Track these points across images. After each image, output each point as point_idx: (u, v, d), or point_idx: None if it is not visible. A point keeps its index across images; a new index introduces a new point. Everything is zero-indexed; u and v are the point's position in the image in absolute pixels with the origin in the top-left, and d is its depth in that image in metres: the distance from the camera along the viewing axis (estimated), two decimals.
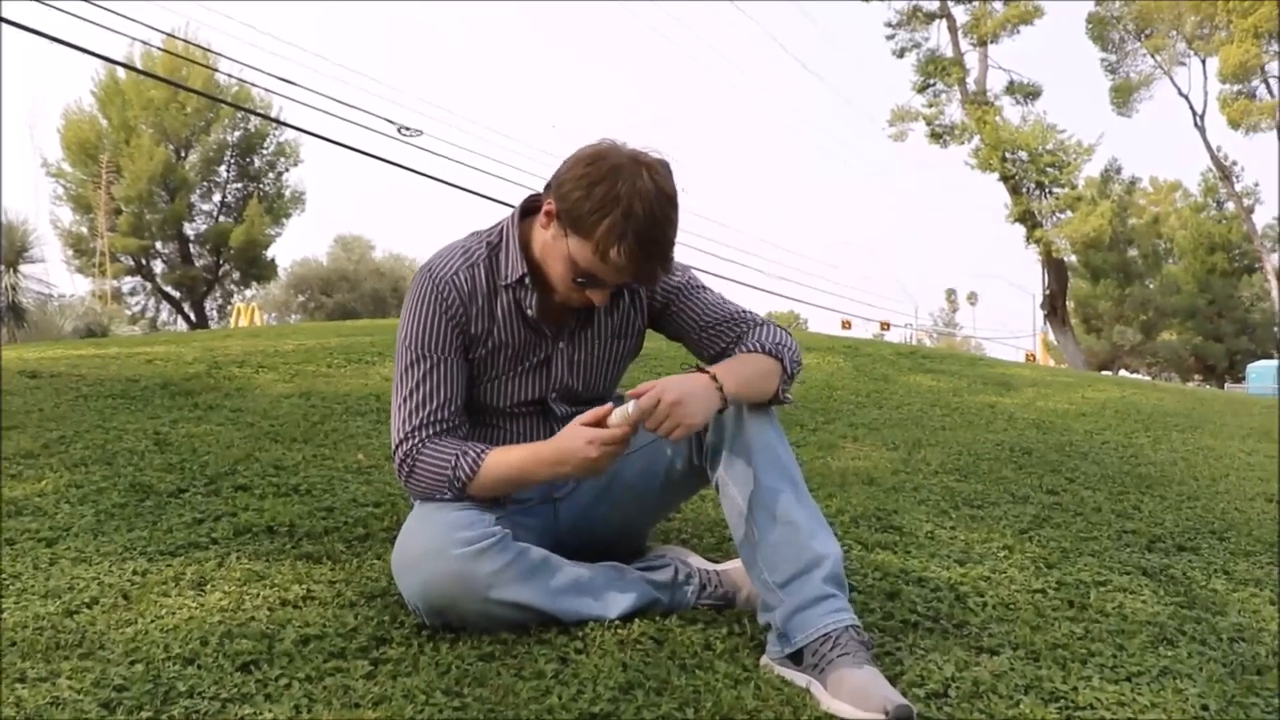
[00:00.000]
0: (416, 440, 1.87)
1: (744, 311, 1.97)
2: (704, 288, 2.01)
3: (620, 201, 1.68)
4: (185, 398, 4.06)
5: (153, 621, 1.80)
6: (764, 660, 1.75)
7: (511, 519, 1.91)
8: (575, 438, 1.76)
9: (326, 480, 2.83)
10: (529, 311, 1.90)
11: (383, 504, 2.60)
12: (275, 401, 4.10)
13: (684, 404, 1.70)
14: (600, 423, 1.75)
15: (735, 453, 1.83)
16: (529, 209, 1.93)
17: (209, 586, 2.00)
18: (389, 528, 2.38)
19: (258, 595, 1.95)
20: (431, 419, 1.88)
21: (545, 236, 1.83)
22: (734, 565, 2.02)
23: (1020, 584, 2.29)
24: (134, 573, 2.05)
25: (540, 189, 1.87)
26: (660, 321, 2.02)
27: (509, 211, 1.97)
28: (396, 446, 1.89)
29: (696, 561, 2.09)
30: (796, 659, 1.69)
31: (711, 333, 1.96)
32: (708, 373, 1.77)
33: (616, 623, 1.85)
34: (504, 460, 1.84)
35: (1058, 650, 1.89)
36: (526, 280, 1.88)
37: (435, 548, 1.75)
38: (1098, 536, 2.81)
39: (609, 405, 1.77)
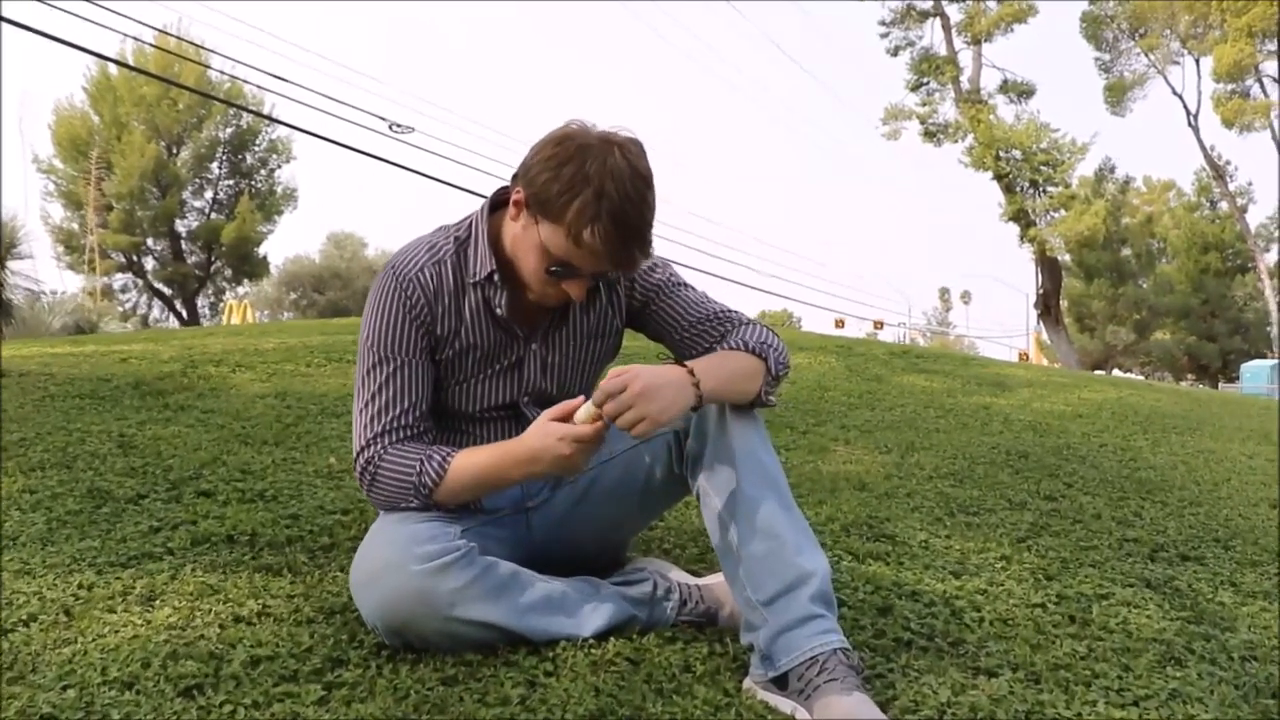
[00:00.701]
0: (378, 447, 1.75)
1: (728, 310, 1.86)
2: (686, 285, 1.89)
3: (591, 181, 1.57)
4: (156, 398, 3.94)
5: (93, 641, 1.68)
6: (746, 684, 1.63)
7: (481, 530, 1.79)
8: (546, 434, 1.64)
9: (294, 486, 2.71)
10: (498, 311, 1.78)
11: (351, 511, 2.48)
12: (249, 402, 3.97)
13: (651, 396, 1.57)
14: (569, 417, 1.64)
15: (717, 460, 1.71)
16: (498, 202, 1.81)
17: (159, 601, 1.87)
18: (356, 537, 2.26)
19: (209, 611, 1.83)
20: (395, 425, 1.76)
21: (515, 229, 1.71)
22: (717, 579, 1.90)
23: (1019, 598, 2.17)
24: (80, 586, 1.93)
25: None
26: (640, 321, 1.90)
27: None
28: (357, 454, 1.77)
29: (677, 575, 1.97)
30: (781, 683, 1.57)
31: (694, 332, 1.84)
32: (685, 367, 1.65)
33: (590, 642, 1.73)
34: (472, 462, 1.72)
35: (1060, 671, 1.77)
36: (495, 277, 1.77)
37: (394, 563, 1.63)
38: (1098, 545, 2.70)
39: (580, 398, 1.65)
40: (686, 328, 1.84)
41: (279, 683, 1.56)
